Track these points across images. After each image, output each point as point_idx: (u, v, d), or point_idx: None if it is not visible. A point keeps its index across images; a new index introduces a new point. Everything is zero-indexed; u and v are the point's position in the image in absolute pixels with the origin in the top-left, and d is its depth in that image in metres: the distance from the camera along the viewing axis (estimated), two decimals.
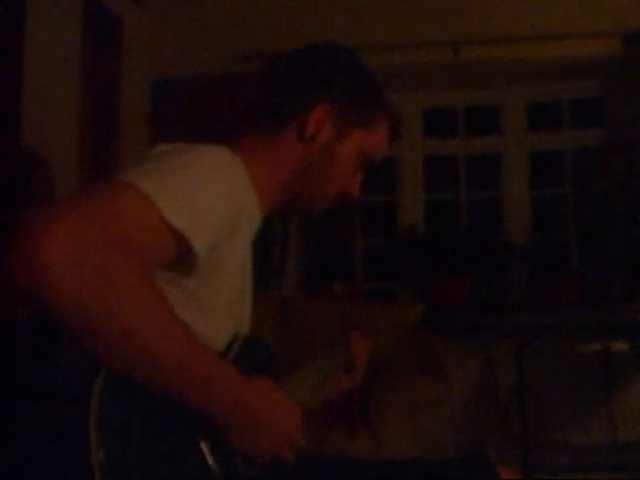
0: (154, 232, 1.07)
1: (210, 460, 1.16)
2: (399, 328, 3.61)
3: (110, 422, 1.03)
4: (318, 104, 1.43)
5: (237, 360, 1.28)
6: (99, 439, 1.01)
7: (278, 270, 4.09)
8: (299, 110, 1.43)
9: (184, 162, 1.18)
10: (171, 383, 1.07)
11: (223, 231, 1.20)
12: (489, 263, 4.13)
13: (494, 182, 4.51)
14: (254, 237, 1.42)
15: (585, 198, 4.23)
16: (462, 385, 4.06)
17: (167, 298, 1.06)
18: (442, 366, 3.39)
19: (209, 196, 1.16)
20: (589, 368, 3.97)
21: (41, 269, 0.92)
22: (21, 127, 3.03)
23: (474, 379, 4.14)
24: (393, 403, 3.05)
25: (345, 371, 1.70)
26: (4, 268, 0.95)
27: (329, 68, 1.48)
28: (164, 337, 1.03)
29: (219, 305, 1.28)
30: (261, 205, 1.41)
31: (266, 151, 1.43)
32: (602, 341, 3.89)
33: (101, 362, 1.04)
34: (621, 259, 3.91)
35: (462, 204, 4.53)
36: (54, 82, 3.34)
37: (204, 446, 1.16)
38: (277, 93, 1.46)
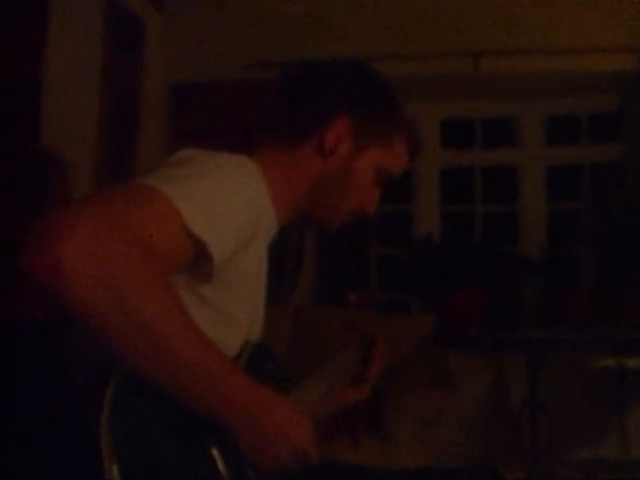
0: (174, 236, 1.08)
1: (221, 466, 1.16)
2: (411, 339, 3.60)
3: (122, 426, 1.03)
4: (338, 118, 1.43)
5: (247, 367, 1.28)
6: (111, 443, 1.01)
7: (292, 279, 4.09)
8: (319, 123, 1.43)
9: (206, 170, 1.19)
10: (181, 383, 1.07)
11: (241, 240, 1.21)
12: (503, 277, 4.12)
13: (510, 195, 4.50)
14: (269, 246, 1.42)
15: (602, 213, 4.21)
16: (473, 398, 4.05)
17: (182, 302, 1.07)
18: (454, 378, 3.38)
19: (229, 205, 1.17)
20: (602, 384, 3.95)
21: (58, 265, 0.93)
22: (41, 127, 3.05)
23: (486, 393, 4.13)
24: (404, 414, 3.05)
25: (354, 382, 1.69)
26: (20, 266, 0.95)
27: (350, 83, 1.48)
28: (177, 336, 1.04)
29: (233, 313, 1.29)
30: (277, 217, 1.41)
31: (284, 163, 1.43)
32: (616, 357, 3.87)
33: (113, 360, 1.04)
34: (636, 275, 3.89)
35: (478, 216, 4.52)
36: (75, 83, 3.36)
37: (215, 452, 1.16)
38: (297, 105, 1.47)
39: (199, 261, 1.14)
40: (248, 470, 1.20)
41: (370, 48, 3.89)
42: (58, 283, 0.94)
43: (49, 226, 0.96)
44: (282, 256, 3.97)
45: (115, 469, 1.00)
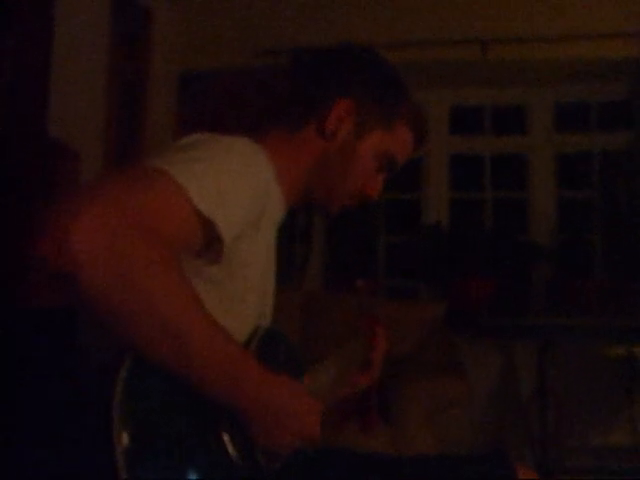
0: (183, 219, 1.08)
1: (231, 451, 1.17)
2: (421, 326, 3.60)
3: (134, 410, 1.03)
4: (340, 101, 1.43)
5: (258, 352, 1.28)
6: (123, 427, 1.01)
7: (301, 266, 4.09)
8: (321, 105, 1.43)
9: (213, 153, 1.19)
10: (191, 367, 1.07)
11: (249, 221, 1.21)
12: (513, 263, 4.11)
13: (520, 182, 4.49)
14: (278, 231, 1.42)
15: (611, 200, 4.20)
16: (483, 385, 4.05)
17: (193, 286, 1.07)
18: (463, 365, 3.38)
19: (237, 186, 1.17)
20: (611, 371, 3.95)
21: (72, 253, 0.94)
22: (49, 117, 3.05)
23: (495, 380, 4.13)
24: (413, 401, 3.05)
25: (363, 367, 1.69)
26: (33, 254, 0.96)
27: (353, 66, 1.48)
28: (187, 319, 1.04)
29: (242, 297, 1.29)
30: (284, 198, 1.42)
31: (288, 145, 1.44)
32: (625, 345, 3.86)
33: (125, 345, 1.04)
34: None
35: (487, 203, 4.51)
36: (82, 73, 3.36)
37: (226, 438, 1.16)
38: (300, 88, 1.47)
39: (209, 243, 1.14)
40: (259, 455, 1.21)
41: (377, 35, 3.89)
42: (72, 272, 0.95)
43: (60, 213, 0.97)
44: (291, 243, 3.97)
45: (125, 451, 1.01)
